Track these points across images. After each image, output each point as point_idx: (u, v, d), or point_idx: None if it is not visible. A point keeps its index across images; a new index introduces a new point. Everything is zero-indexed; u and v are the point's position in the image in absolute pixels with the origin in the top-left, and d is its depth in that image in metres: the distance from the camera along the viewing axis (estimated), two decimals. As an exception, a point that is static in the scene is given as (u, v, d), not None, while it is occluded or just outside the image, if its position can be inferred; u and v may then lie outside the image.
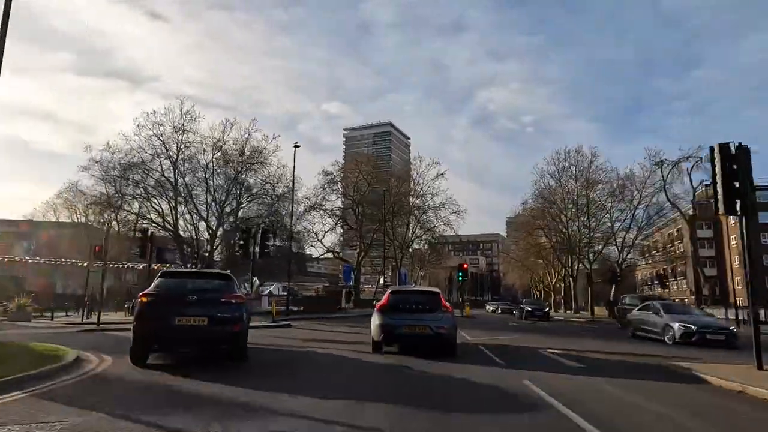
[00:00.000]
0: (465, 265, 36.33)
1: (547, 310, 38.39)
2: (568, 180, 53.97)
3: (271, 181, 47.86)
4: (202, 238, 46.58)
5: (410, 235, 50.99)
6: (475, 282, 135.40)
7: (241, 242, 20.43)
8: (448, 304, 11.55)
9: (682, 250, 66.71)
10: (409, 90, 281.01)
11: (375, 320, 11.12)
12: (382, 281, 56.67)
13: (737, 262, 61.72)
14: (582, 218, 52.35)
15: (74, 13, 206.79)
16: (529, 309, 36.40)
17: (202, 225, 46.76)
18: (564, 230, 53.42)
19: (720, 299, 54.62)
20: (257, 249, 20.47)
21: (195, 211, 45.71)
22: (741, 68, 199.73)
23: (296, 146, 29.90)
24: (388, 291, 12.46)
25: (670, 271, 74.26)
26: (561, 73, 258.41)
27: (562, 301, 62.64)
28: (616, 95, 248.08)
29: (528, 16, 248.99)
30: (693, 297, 64.90)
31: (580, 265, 55.99)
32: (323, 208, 54.09)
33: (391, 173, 55.43)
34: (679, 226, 67.39)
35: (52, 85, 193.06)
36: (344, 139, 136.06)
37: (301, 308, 36.88)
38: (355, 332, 18.04)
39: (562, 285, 63.20)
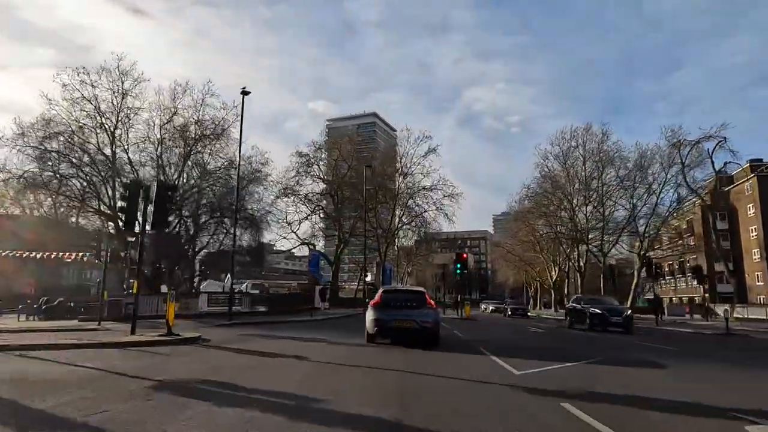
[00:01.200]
0: (464, 255, 28.46)
1: (629, 313, 21.11)
2: (575, 162, 46.50)
3: (234, 161, 40.07)
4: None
5: (396, 222, 42.47)
6: (462, 280, 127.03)
7: (122, 206, 12.18)
8: (432, 302, 12.49)
9: (693, 243, 59.31)
10: (395, 89, 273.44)
11: (369, 315, 11.79)
12: (368, 278, 49.75)
13: (757, 256, 54.77)
14: (594, 203, 44.74)
15: (52, 7, 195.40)
16: (600, 312, 20.46)
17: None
18: (571, 218, 45.78)
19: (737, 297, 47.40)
20: (147, 216, 12.23)
21: (141, 194, 37.37)
22: (722, 70, 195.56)
23: (244, 93, 21.61)
24: (381, 290, 13.27)
25: (677, 266, 67.22)
26: (545, 74, 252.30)
27: (566, 299, 54.95)
28: (599, 95, 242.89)
29: (512, 16, 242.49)
30: (707, 295, 57.84)
31: (587, 258, 48.53)
32: (297, 193, 45.98)
33: (375, 154, 46.74)
34: (689, 217, 60.17)
35: (31, 81, 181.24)
36: (327, 130, 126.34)
37: (265, 309, 29.13)
38: (303, 355, 9.79)
39: (566, 281, 55.52)
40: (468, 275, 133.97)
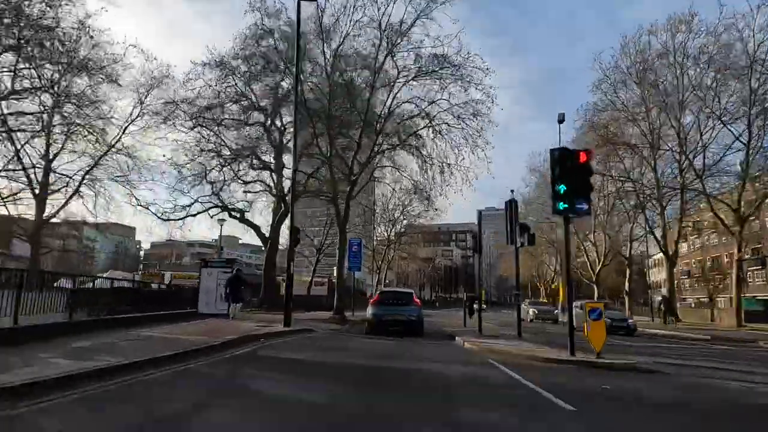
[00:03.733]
0: (584, 155, 8.66)
1: None
2: (663, 73, 27.45)
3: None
4: None
5: (374, 147, 20.82)
6: (450, 276, 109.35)
7: None
8: (418, 300, 15.36)
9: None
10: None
11: (369, 311, 14.75)
12: (344, 272, 30.08)
13: None
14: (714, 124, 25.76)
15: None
16: None
17: None
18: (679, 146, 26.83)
19: None
20: None
21: None
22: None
23: None
24: (378, 291, 17.19)
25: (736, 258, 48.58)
26: (522, 76, 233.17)
27: (626, 298, 35.42)
28: (577, 100, 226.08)
29: (486, 19, 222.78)
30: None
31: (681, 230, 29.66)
32: (203, 119, 25.73)
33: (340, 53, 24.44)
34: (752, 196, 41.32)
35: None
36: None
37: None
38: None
39: (626, 275, 35.87)
40: (455, 271, 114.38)
